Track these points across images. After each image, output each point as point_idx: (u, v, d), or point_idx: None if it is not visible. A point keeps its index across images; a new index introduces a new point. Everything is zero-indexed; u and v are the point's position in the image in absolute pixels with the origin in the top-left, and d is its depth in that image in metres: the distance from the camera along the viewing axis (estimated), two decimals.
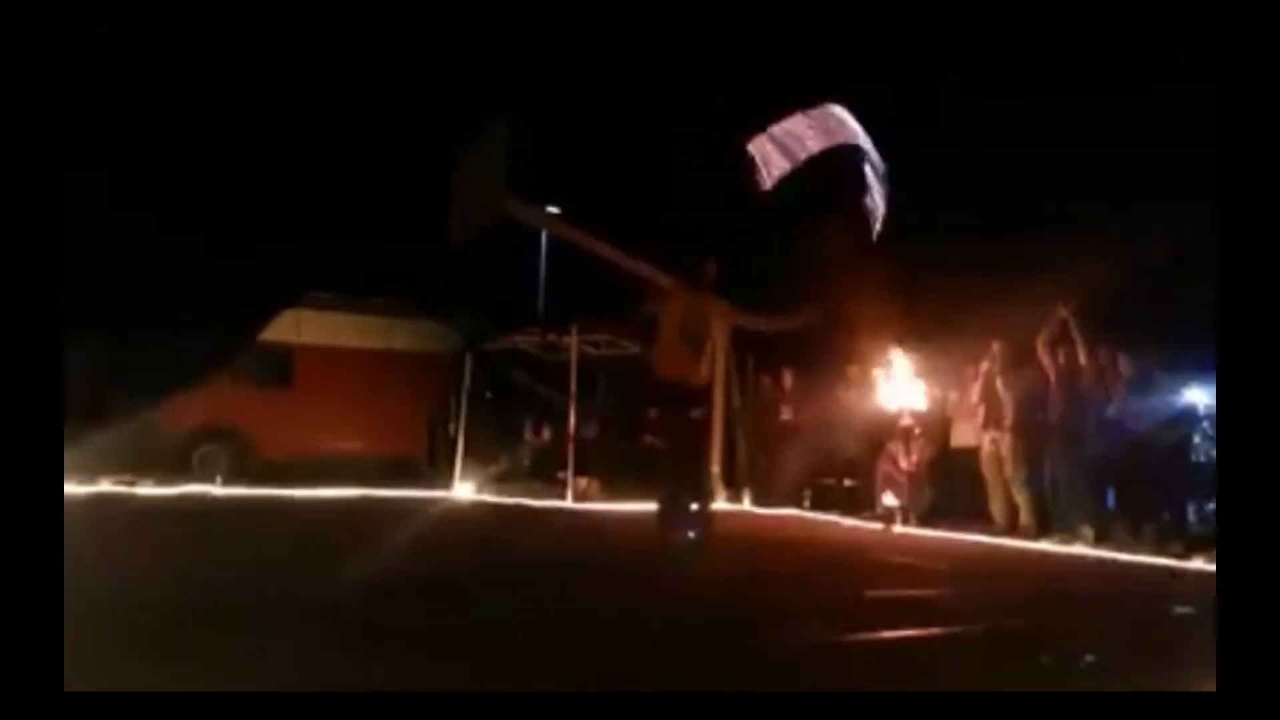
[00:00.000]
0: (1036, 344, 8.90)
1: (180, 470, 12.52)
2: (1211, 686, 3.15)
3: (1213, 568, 6.91)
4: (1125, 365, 8.48)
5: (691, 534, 6.52)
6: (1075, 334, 8.69)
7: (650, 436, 12.89)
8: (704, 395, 6.75)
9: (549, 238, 17.99)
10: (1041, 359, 8.90)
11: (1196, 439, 8.78)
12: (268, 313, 14.38)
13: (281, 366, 14.16)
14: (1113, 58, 9.58)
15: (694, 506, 6.63)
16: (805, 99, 8.62)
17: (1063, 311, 8.71)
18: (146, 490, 10.87)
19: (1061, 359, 8.83)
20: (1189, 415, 8.48)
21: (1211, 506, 9.28)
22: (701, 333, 6.59)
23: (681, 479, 6.72)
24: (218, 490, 11.67)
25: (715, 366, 7.09)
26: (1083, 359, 8.70)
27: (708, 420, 7.06)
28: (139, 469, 11.60)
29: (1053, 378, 8.88)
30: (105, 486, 10.28)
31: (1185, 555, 7.42)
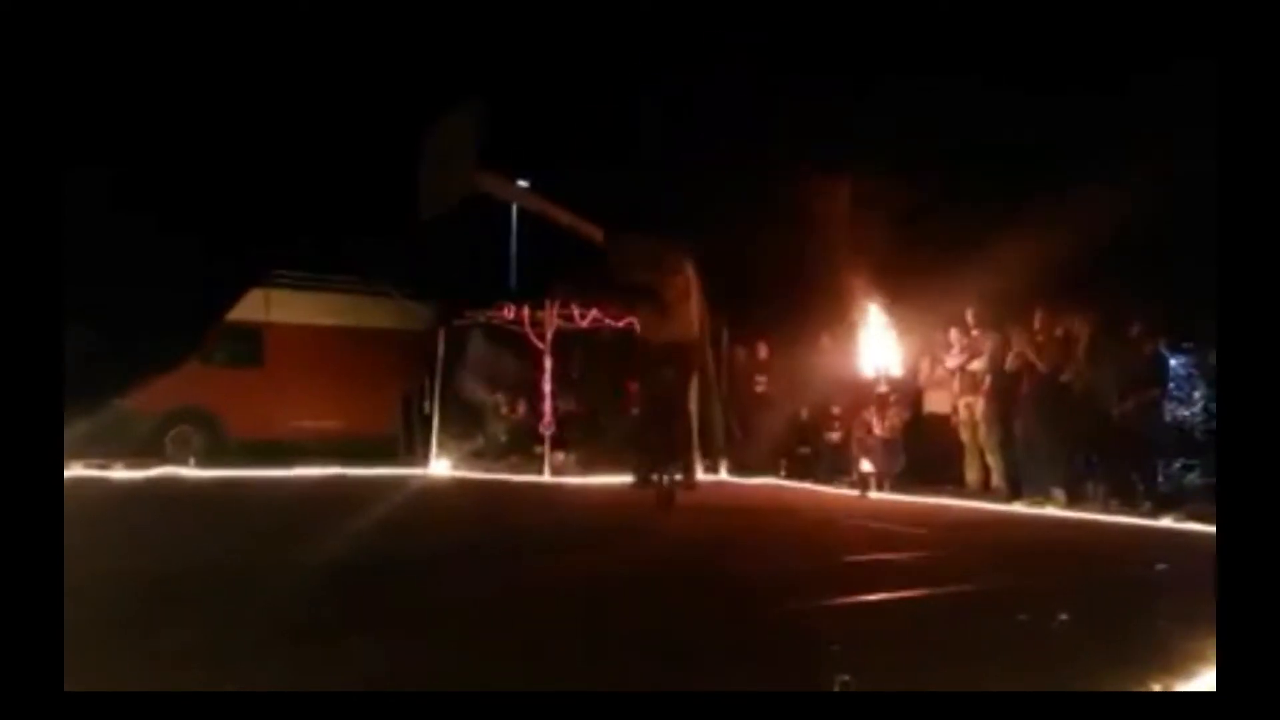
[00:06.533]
0: (1013, 335, 9.08)
1: (153, 453, 12.39)
2: (1180, 641, 3.26)
3: (1182, 526, 7.07)
4: (1094, 331, 8.61)
5: (676, 477, 6.87)
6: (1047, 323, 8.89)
7: (627, 408, 12.93)
8: (694, 350, 7.26)
9: (520, 211, 17.84)
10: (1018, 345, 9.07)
11: (1166, 401, 8.91)
12: (235, 292, 14.14)
13: (252, 346, 14.00)
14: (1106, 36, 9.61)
15: (674, 455, 7.07)
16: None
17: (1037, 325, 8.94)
18: (120, 474, 10.76)
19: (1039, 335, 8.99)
20: (1159, 377, 8.59)
21: (1178, 466, 9.47)
22: (683, 294, 7.01)
23: (664, 429, 7.08)
24: (191, 472, 11.57)
25: (701, 325, 7.63)
26: (1058, 330, 8.84)
27: (689, 374, 7.56)
28: (111, 453, 11.46)
29: (1030, 350, 9.02)
30: (79, 471, 10.16)
31: (1155, 514, 7.57)
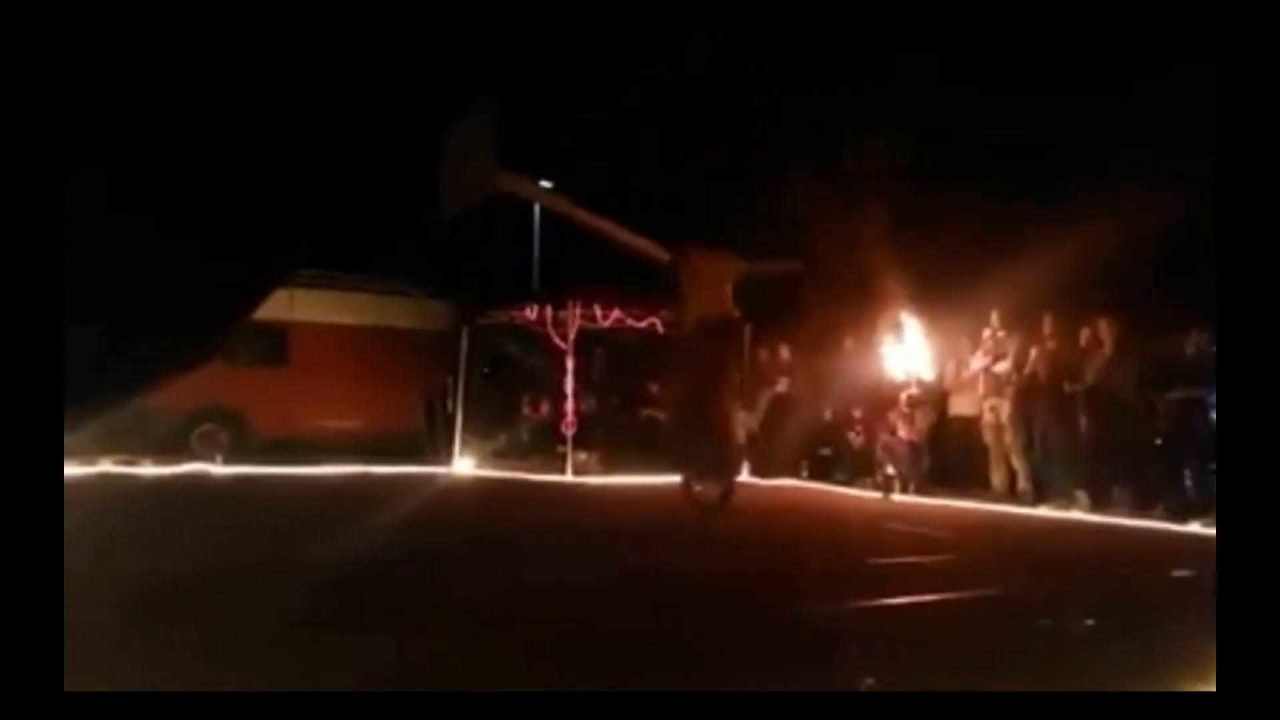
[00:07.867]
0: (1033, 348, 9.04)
1: (179, 450, 12.51)
2: (1203, 647, 3.20)
3: (1209, 531, 6.95)
4: (1121, 332, 8.50)
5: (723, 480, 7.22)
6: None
7: (649, 409, 12.93)
8: (734, 328, 7.93)
9: (543, 211, 17.87)
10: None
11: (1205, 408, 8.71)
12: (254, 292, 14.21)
13: (277, 345, 14.10)
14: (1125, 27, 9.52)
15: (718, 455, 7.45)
16: None
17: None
18: (147, 470, 10.88)
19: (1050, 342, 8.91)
20: (1202, 378, 8.38)
21: (1208, 470, 9.28)
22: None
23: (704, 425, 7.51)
24: (217, 469, 11.68)
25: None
26: (1084, 333, 8.75)
27: (731, 357, 8.06)
28: (138, 450, 11.59)
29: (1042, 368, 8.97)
30: (106, 467, 10.29)
31: (1182, 519, 7.46)
